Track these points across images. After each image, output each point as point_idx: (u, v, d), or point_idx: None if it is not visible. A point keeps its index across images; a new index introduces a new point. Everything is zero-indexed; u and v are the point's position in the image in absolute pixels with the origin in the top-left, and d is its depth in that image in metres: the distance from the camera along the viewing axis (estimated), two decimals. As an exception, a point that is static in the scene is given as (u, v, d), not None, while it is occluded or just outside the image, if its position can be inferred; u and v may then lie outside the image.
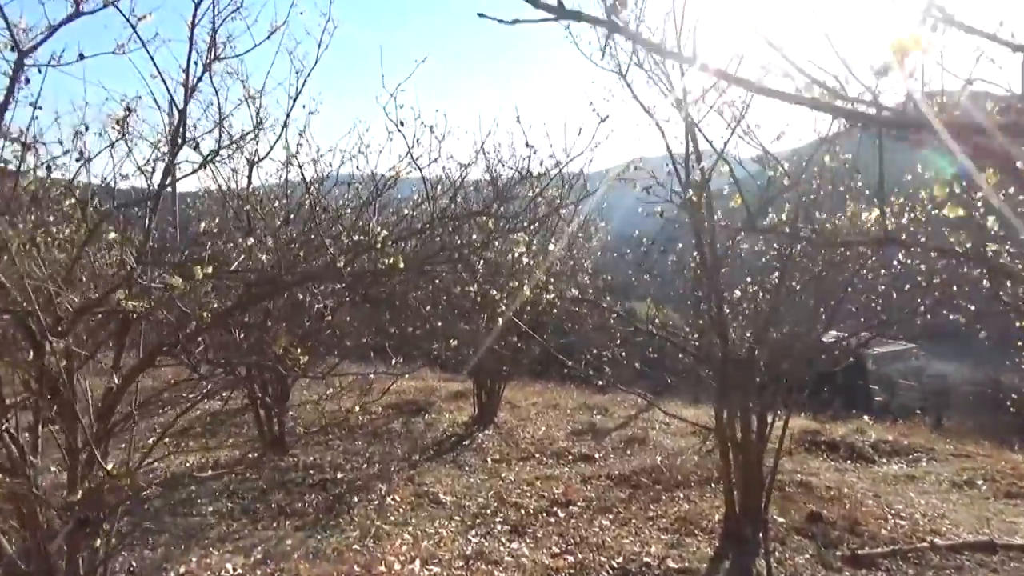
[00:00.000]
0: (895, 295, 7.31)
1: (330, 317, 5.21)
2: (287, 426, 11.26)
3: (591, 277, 6.93)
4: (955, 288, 6.76)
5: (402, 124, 5.13)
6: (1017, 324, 6.51)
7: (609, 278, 7.34)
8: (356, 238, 4.57)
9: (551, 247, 6.25)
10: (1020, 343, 7.91)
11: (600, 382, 7.58)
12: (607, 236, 7.18)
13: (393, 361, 7.10)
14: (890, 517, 7.91)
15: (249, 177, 7.80)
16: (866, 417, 14.34)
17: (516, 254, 4.53)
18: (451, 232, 4.18)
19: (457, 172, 4.82)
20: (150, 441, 4.48)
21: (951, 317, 6.92)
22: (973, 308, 6.92)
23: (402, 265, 3.71)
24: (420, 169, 4.90)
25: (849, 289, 7.09)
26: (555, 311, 6.63)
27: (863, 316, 7.10)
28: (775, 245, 7.40)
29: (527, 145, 4.55)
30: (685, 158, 6.81)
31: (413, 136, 5.03)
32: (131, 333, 4.51)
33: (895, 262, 7.14)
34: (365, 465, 9.50)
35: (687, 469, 9.26)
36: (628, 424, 12.60)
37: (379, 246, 3.82)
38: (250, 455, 9.67)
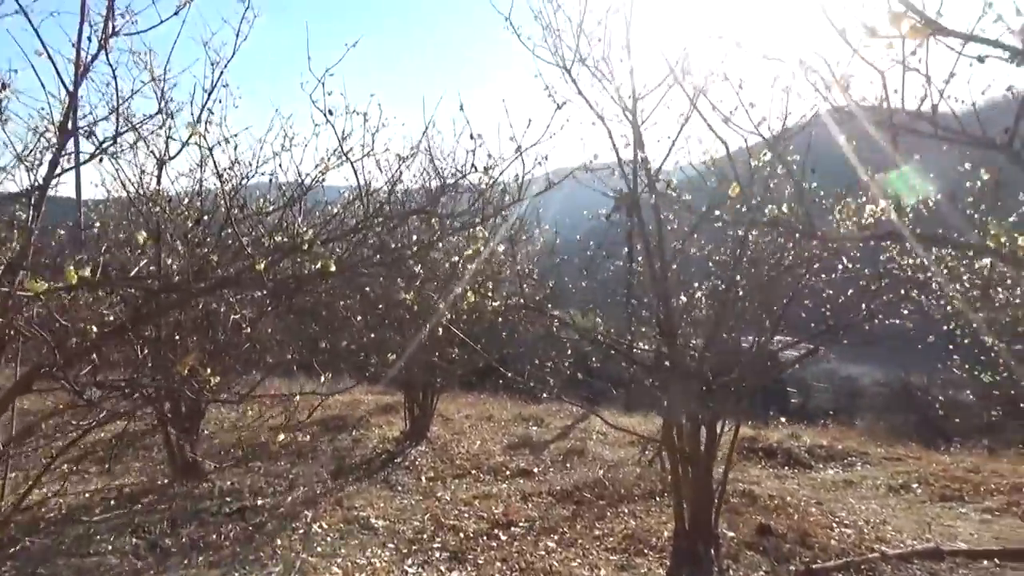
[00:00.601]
0: (841, 299, 7.18)
1: (249, 330, 4.60)
2: (202, 448, 10.40)
3: (536, 283, 6.51)
4: (902, 293, 6.66)
5: (330, 113, 4.59)
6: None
7: (553, 283, 6.92)
8: (279, 239, 3.98)
9: (493, 250, 5.79)
10: (919, 346, 7.94)
11: (544, 395, 7.15)
12: (554, 240, 6.77)
13: (322, 379, 6.50)
14: (835, 526, 7.77)
15: (159, 177, 7.06)
16: (782, 418, 14.44)
17: (465, 255, 4.06)
18: (388, 232, 3.67)
19: (395, 166, 4.33)
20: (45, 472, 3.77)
21: (898, 322, 6.81)
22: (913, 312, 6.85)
23: (333, 269, 3.18)
24: (351, 163, 4.36)
25: (791, 294, 6.91)
26: (499, 319, 6.17)
27: (813, 322, 6.91)
28: (724, 249, 7.16)
29: (472, 137, 4.07)
30: (633, 159, 6.48)
31: (343, 128, 4.50)
32: (7, 351, 3.81)
33: (839, 266, 7.00)
34: (289, 489, 8.76)
35: (629, 482, 8.93)
36: (565, 435, 12.24)
37: (305, 248, 3.27)
38: (160, 482, 8.79)
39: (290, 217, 4.79)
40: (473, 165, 4.03)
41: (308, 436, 12.06)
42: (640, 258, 6.88)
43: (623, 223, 8.85)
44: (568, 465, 10.23)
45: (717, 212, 6.39)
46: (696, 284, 7.38)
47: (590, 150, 6.63)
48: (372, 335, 10.41)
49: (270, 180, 5.42)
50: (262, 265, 2.92)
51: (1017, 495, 9.12)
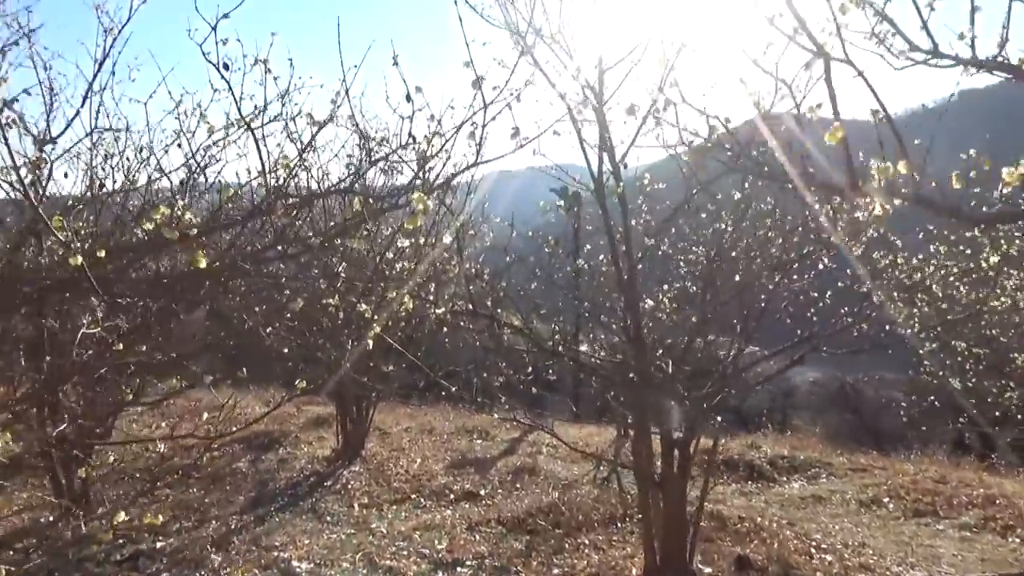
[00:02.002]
0: (821, 304, 6.48)
1: (120, 346, 3.54)
2: (100, 473, 9.11)
3: (487, 285, 5.58)
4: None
5: (227, 68, 3.55)
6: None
7: (504, 284, 5.99)
8: (149, 229, 2.93)
9: (434, 245, 4.83)
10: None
11: (496, 415, 6.22)
12: (510, 234, 5.84)
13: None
14: (814, 551, 7.06)
15: (37, 162, 5.84)
16: (720, 418, 13.84)
17: (404, 230, 3.12)
18: (294, 218, 2.69)
19: (308, 132, 3.32)
20: None
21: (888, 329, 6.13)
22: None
23: (204, 265, 2.20)
24: (251, 131, 3.35)
25: (768, 298, 6.16)
26: (443, 328, 5.22)
27: (791, 328, 6.16)
28: (698, 250, 6.36)
29: (409, 98, 3.09)
30: (600, 143, 5.60)
31: (240, 87, 3.48)
32: None
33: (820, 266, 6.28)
34: (199, 524, 7.58)
35: (587, 506, 8.05)
36: (513, 450, 11.31)
37: (168, 237, 2.27)
38: (43, 519, 7.49)
39: (182, 203, 3.75)
40: (411, 134, 3.06)
41: (227, 453, 10.85)
42: (608, 256, 6.02)
43: (573, 220, 8.02)
44: (518, 485, 9.30)
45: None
46: (664, 287, 6.56)
47: (549, 137, 5.73)
48: (298, 343, 9.31)
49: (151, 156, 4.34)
50: (79, 260, 1.91)
51: (992, 508, 8.63)
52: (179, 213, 3.17)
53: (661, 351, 6.54)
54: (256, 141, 3.28)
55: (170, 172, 4.00)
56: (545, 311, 7.68)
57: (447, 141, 2.64)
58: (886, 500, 9.09)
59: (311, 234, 2.70)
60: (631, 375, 6.14)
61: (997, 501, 8.83)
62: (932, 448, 20.62)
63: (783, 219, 5.44)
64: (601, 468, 10.19)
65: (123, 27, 4.25)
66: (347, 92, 2.84)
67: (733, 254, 6.02)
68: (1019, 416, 9.08)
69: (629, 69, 5.66)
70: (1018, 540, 7.73)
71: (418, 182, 2.47)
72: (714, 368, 6.01)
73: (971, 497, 9.04)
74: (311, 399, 14.50)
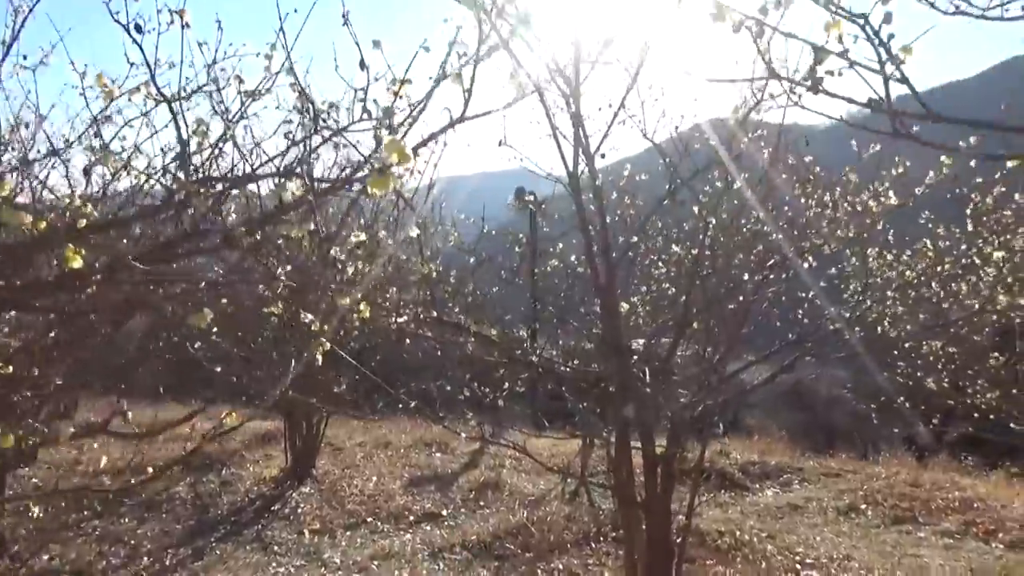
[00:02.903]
0: (806, 305, 6.08)
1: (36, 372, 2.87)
2: (20, 502, 8.20)
3: (453, 290, 5.00)
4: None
5: (139, 29, 2.91)
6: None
7: (470, 288, 5.41)
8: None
9: (391, 245, 4.22)
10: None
11: (461, 433, 5.62)
12: (481, 231, 5.27)
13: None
14: (801, 568, 6.66)
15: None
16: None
17: (359, 236, 2.55)
18: (215, 204, 2.07)
19: (237, 103, 2.68)
20: None
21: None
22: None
23: (77, 264, 1.59)
24: (168, 103, 2.72)
25: (753, 301, 5.70)
26: (403, 338, 4.59)
27: (787, 331, 5.73)
28: (676, 249, 5.86)
29: (363, 65, 2.49)
30: (574, 132, 5.06)
31: (155, 51, 2.85)
32: None
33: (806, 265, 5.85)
34: (128, 560, 6.79)
35: (559, 525, 7.51)
36: (475, 463, 10.70)
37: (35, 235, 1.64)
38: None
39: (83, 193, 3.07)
40: (365, 108, 2.45)
41: (165, 475, 9.99)
42: (583, 255, 5.50)
43: (532, 227, 7.47)
44: (482, 503, 8.71)
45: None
46: (643, 288, 6.06)
47: (516, 126, 5.20)
48: (241, 355, 8.58)
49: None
50: None
51: (971, 512, 8.40)
52: (77, 203, 2.52)
53: (638, 358, 6.04)
54: (174, 115, 2.65)
55: (63, 154, 3.28)
56: (510, 316, 7.14)
57: (423, 101, 2.05)
58: (863, 507, 8.78)
59: (238, 226, 2.09)
60: (609, 386, 5.63)
61: (975, 505, 8.60)
62: (883, 445, 20.79)
63: (770, 214, 4.99)
64: (569, 482, 9.68)
65: (35, 5, 3.56)
66: (285, 46, 2.23)
67: (715, 251, 5.54)
68: (991, 416, 8.89)
69: (602, 51, 5.17)
70: (1002, 546, 7.47)
71: (381, 151, 1.90)
72: (700, 376, 5.52)
73: (948, 501, 8.80)
74: (259, 414, 13.67)
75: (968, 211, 5.81)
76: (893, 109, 1.62)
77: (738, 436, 13.74)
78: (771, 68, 1.80)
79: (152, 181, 2.57)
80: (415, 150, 2.00)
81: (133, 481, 9.77)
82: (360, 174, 2.05)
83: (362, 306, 2.91)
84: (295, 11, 2.07)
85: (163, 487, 9.54)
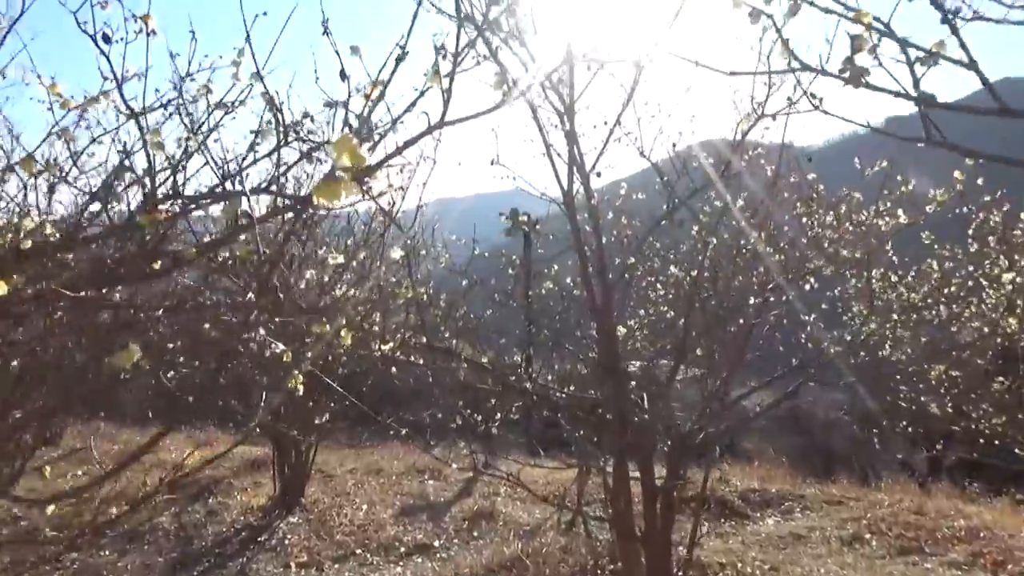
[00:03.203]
0: (809, 328, 5.90)
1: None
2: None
3: (444, 314, 4.81)
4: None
5: (107, 40, 2.76)
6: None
7: (463, 311, 5.22)
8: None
9: (376, 267, 4.04)
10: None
11: (453, 464, 5.40)
12: (472, 252, 5.09)
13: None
14: (806, 602, 6.41)
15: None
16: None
17: (337, 259, 2.34)
18: (166, 224, 1.87)
19: (204, 108, 2.48)
20: None
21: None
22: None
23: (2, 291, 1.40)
24: (135, 116, 2.56)
25: (755, 324, 5.52)
26: (391, 365, 4.38)
27: (794, 358, 5.55)
28: (675, 271, 5.69)
29: (343, 76, 2.32)
30: (569, 147, 4.91)
31: (123, 61, 2.70)
32: None
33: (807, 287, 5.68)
34: (105, 595, 6.51)
35: (554, 557, 7.25)
36: (468, 491, 10.43)
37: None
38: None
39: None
40: (346, 121, 2.28)
41: (150, 504, 9.70)
42: (578, 279, 5.32)
43: (527, 249, 7.31)
44: (476, 533, 8.44)
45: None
46: (641, 312, 5.88)
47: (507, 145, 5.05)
48: (220, 376, 8.34)
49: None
50: None
51: (978, 542, 8.15)
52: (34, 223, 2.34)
53: (636, 383, 5.85)
54: (141, 130, 2.47)
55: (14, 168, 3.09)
56: (504, 340, 6.95)
57: (406, 111, 1.87)
58: (868, 536, 8.53)
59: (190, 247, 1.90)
60: (606, 412, 5.43)
61: (981, 534, 8.36)
62: (882, 470, 20.50)
63: (770, 235, 4.83)
64: (564, 511, 9.43)
65: (16, 21, 3.41)
66: (252, 52, 2.05)
67: (716, 273, 5.36)
68: (996, 441, 8.68)
69: (598, 69, 5.04)
70: (1012, 578, 7.24)
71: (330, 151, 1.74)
72: (701, 403, 5.33)
73: (954, 530, 8.55)
74: (249, 438, 13.38)
75: (971, 231, 5.67)
76: (928, 98, 1.45)
77: (736, 461, 13.48)
78: (800, 61, 1.63)
79: (94, 199, 2.38)
80: (389, 158, 1.82)
81: (115, 511, 9.51)
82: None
83: (343, 333, 2.73)
84: (264, 14, 1.90)
85: (147, 517, 9.25)
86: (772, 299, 5.03)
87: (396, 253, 2.64)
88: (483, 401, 5.47)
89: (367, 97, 1.89)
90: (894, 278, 5.51)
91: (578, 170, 5.00)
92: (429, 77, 1.81)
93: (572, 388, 5.87)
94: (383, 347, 3.51)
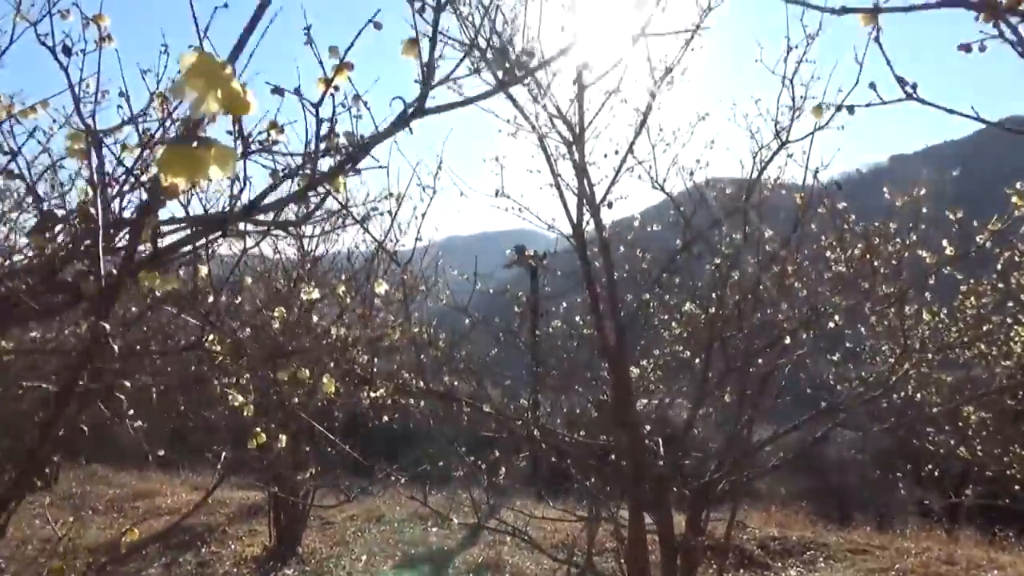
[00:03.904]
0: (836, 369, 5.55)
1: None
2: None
3: (443, 355, 4.47)
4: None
5: (68, 52, 2.52)
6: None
7: (464, 353, 4.88)
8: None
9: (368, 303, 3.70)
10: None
11: (455, 519, 5.03)
12: (474, 286, 4.76)
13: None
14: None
15: None
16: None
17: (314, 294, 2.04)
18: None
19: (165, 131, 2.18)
20: None
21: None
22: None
23: None
24: (92, 134, 2.27)
25: (776, 365, 5.15)
26: (384, 411, 4.02)
27: (823, 401, 5.17)
28: (690, 307, 5.35)
29: (357, 99, 2.02)
30: (578, 178, 4.62)
31: (80, 73, 2.46)
32: None
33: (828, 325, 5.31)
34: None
35: (565, 614, 6.78)
36: (474, 539, 9.94)
37: None
38: None
39: None
40: (320, 135, 1.98)
41: (140, 554, 9.25)
42: (588, 317, 4.98)
43: (534, 284, 7.03)
44: (481, 587, 7.98)
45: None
46: (656, 352, 5.53)
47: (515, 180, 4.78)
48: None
49: None
50: None
51: (1017, 596, 7.65)
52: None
53: (651, 428, 5.47)
54: (96, 146, 2.18)
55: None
56: (509, 381, 6.59)
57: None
58: (898, 589, 8.03)
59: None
60: (620, 461, 5.04)
61: (1020, 586, 7.86)
62: (896, 511, 19.77)
63: (800, 267, 4.50)
64: (575, 560, 8.95)
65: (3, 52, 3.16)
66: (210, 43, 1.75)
67: (739, 310, 5.02)
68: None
69: (608, 97, 4.77)
70: (1058, 637, 6.72)
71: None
72: (724, 450, 4.95)
73: (988, 582, 8.05)
74: (247, 481, 12.93)
75: (999, 265, 5.32)
76: None
77: (751, 504, 12.94)
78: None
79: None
80: (355, 153, 1.51)
81: (105, 562, 9.07)
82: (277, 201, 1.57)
83: (325, 380, 2.40)
84: (225, 5, 1.61)
85: (135, 569, 8.81)
86: (797, 338, 4.67)
87: (380, 288, 2.31)
88: (487, 447, 5.09)
89: (327, 83, 1.58)
90: (926, 316, 5.13)
91: (588, 202, 4.71)
92: (404, 47, 1.51)
93: (582, 433, 5.50)
94: (372, 393, 3.17)
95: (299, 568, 8.50)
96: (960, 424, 8.07)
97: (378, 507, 11.76)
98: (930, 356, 4.90)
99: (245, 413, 2.04)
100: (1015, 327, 5.81)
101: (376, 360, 4.01)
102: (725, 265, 4.41)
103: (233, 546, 9.59)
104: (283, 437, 2.87)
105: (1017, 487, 7.99)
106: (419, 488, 10.52)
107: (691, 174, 4.56)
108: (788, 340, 4.55)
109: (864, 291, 3.98)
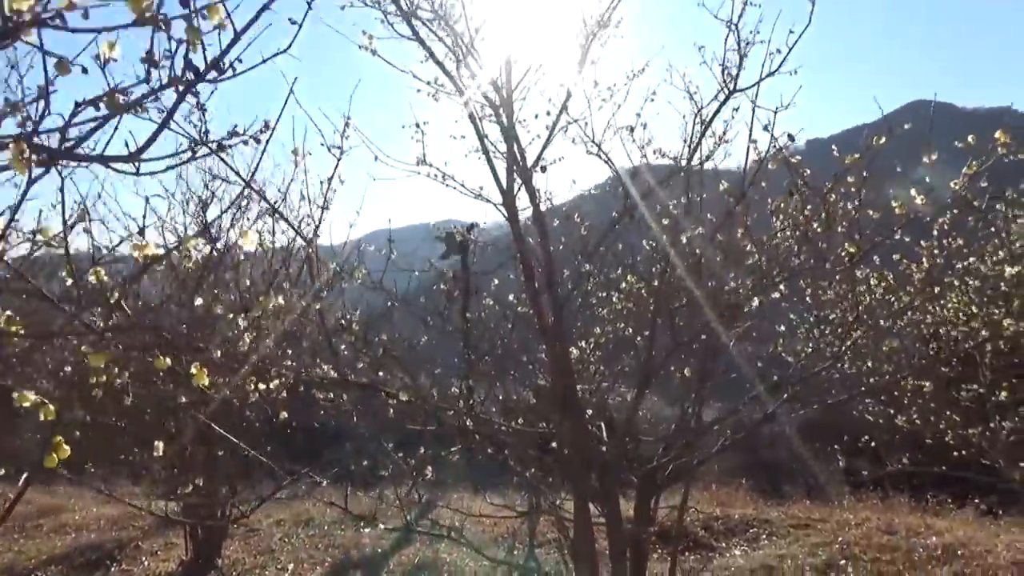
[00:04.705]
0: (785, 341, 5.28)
1: None
2: None
3: (360, 341, 3.95)
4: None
5: None
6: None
7: (386, 338, 4.37)
8: None
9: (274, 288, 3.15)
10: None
11: (381, 525, 4.53)
12: (386, 261, 4.22)
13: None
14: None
15: None
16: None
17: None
18: None
19: None
20: None
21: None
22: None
23: None
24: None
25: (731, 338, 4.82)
26: (281, 409, 3.46)
27: (775, 375, 4.86)
28: (631, 280, 4.96)
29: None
30: (507, 141, 4.15)
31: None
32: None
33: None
34: None
35: (508, 614, 6.37)
36: (409, 538, 9.41)
37: None
38: None
39: None
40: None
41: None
42: (522, 295, 4.54)
43: (464, 260, 6.53)
44: (418, 590, 7.49)
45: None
46: (597, 330, 5.12)
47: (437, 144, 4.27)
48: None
49: None
50: None
51: (958, 561, 7.65)
52: None
53: (593, 412, 5.08)
54: None
55: None
56: (439, 369, 6.11)
57: None
58: (843, 562, 7.92)
59: None
60: (562, 449, 4.63)
61: (959, 552, 7.87)
62: (826, 484, 20.22)
63: (746, 229, 4.15)
64: (516, 554, 8.59)
65: None
66: None
67: (679, 282, 4.65)
68: (962, 452, 8.25)
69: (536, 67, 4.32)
70: (1003, 601, 6.71)
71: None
72: (675, 432, 4.60)
73: (928, 549, 8.04)
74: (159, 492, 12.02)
75: (935, 231, 5.14)
76: None
77: (691, 484, 12.83)
78: None
79: None
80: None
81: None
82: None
83: (194, 370, 1.87)
84: None
85: (33, 594, 7.97)
86: (748, 307, 4.34)
87: (249, 240, 1.80)
88: (419, 442, 4.60)
89: None
90: (873, 282, 4.87)
91: (518, 167, 4.24)
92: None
93: (520, 421, 5.06)
94: (257, 386, 2.63)
95: (219, 582, 7.83)
96: (895, 394, 7.99)
97: (307, 510, 11.10)
98: (881, 323, 4.65)
99: (43, 417, 1.50)
100: (952, 292, 5.67)
101: (268, 346, 3.46)
102: (669, 229, 4.02)
103: (146, 562, 8.81)
104: (159, 444, 2.33)
105: (955, 453, 7.98)
106: (342, 490, 9.97)
107: (631, 131, 4.14)
108: (740, 309, 4.21)
109: (822, 251, 3.65)
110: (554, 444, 4.78)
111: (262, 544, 9.37)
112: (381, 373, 4.19)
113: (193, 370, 1.84)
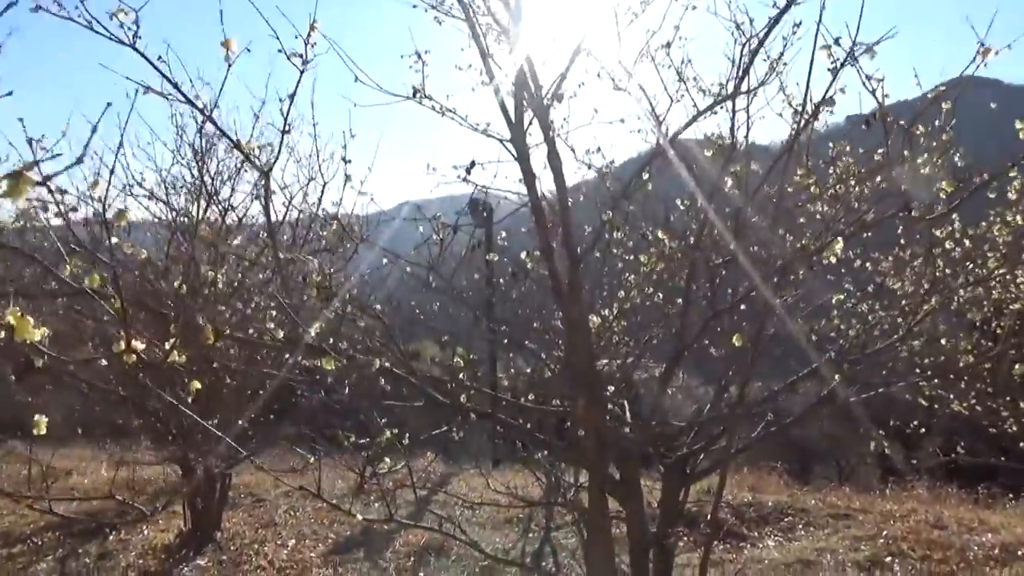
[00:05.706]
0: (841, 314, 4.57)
1: None
2: None
3: (359, 309, 3.36)
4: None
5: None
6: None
7: (379, 308, 3.76)
8: None
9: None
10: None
11: (362, 516, 3.98)
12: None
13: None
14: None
15: None
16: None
17: None
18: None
19: None
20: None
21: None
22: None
23: None
24: None
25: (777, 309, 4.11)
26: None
27: (832, 351, 4.16)
28: (667, 241, 4.26)
29: None
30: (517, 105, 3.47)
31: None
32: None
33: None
34: None
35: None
36: (419, 516, 8.90)
37: None
38: None
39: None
40: None
41: (34, 545, 8.06)
42: (536, 251, 3.88)
43: (488, 219, 5.98)
44: (422, 574, 6.97)
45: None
46: (621, 294, 4.45)
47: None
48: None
49: None
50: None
51: (1019, 563, 6.90)
52: None
53: (615, 390, 4.43)
54: None
55: None
56: (448, 338, 5.51)
57: None
58: (888, 559, 7.22)
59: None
60: (577, 430, 4.01)
61: (1020, 552, 7.12)
62: (858, 466, 19.33)
63: (806, 172, 3.43)
64: (530, 536, 8.06)
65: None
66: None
67: (718, 242, 3.96)
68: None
69: None
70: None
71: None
72: (710, 413, 3.94)
73: (985, 548, 7.30)
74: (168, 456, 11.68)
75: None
76: None
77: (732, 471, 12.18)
78: None
79: None
80: None
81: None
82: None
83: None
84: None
85: (26, 561, 7.63)
86: (801, 272, 3.64)
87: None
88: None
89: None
90: (949, 244, 4.11)
91: (529, 96, 3.56)
92: None
93: (531, 397, 4.44)
94: (211, 340, 2.03)
95: (214, 557, 7.40)
96: (953, 376, 7.17)
97: (315, 478, 10.62)
98: (961, 292, 3.92)
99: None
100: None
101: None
102: (720, 167, 3.32)
103: (146, 531, 8.43)
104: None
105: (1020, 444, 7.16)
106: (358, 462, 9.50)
107: (667, 47, 3.42)
108: (790, 273, 3.52)
109: (907, 196, 2.92)
110: (568, 425, 4.16)
111: (266, 517, 8.94)
112: (375, 343, 3.58)
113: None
